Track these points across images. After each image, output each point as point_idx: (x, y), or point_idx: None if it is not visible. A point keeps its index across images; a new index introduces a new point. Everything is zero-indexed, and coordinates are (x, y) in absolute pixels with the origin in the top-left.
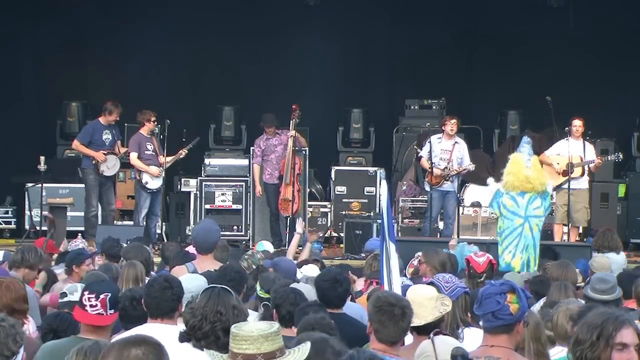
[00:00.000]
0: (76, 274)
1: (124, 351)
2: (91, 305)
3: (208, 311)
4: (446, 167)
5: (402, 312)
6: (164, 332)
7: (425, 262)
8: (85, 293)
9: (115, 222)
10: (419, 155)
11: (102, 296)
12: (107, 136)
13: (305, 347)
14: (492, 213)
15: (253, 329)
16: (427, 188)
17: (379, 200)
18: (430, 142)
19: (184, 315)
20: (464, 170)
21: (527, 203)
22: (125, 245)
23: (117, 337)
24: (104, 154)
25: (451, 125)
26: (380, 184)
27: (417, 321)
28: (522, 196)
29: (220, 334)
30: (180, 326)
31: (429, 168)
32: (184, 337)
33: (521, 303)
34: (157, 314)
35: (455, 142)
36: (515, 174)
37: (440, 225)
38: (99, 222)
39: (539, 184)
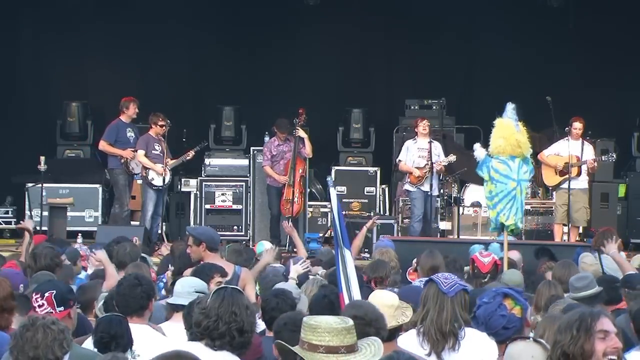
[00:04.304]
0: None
1: None
2: (39, 306)
3: (223, 312)
4: (427, 164)
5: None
6: (134, 331)
7: (419, 264)
8: (33, 294)
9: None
10: (397, 160)
11: (47, 294)
12: (130, 134)
13: (378, 343)
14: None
15: (331, 321)
16: (410, 188)
17: (331, 209)
18: (407, 146)
19: (194, 315)
20: (448, 161)
21: (518, 167)
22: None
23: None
24: (132, 151)
25: (423, 125)
26: (329, 189)
27: None
28: (512, 160)
29: (235, 334)
30: (146, 325)
31: (410, 169)
32: (195, 337)
33: (520, 302)
34: (127, 312)
35: (430, 141)
36: (506, 138)
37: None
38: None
39: (526, 149)
